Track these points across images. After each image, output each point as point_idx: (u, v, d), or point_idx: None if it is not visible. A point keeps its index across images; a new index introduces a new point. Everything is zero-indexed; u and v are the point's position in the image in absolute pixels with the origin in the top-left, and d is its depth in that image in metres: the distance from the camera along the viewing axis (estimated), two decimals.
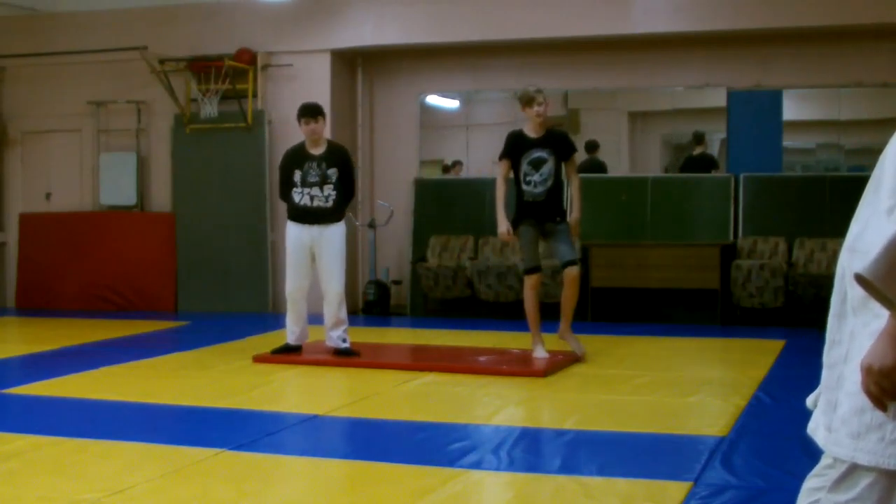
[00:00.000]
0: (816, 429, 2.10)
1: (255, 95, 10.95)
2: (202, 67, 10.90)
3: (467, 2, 10.45)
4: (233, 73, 10.76)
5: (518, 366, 7.09)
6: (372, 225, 10.98)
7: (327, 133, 9.84)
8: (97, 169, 11.61)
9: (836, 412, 2.02)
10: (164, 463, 4.54)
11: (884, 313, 1.87)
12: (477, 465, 4.48)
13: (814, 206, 9.93)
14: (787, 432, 4.98)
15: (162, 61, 10.87)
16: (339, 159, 7.42)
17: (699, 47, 10.36)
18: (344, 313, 7.41)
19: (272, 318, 9.91)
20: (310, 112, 7.36)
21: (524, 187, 7.16)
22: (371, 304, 10.75)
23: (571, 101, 10.98)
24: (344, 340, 7.43)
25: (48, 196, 11.92)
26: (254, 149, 10.96)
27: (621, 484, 4.16)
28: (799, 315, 9.46)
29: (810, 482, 2.18)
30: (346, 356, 7.37)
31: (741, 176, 10.18)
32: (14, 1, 11.09)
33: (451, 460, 4.55)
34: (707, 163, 10.57)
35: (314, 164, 7.31)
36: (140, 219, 11.48)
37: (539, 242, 7.25)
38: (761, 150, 10.27)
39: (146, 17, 11.26)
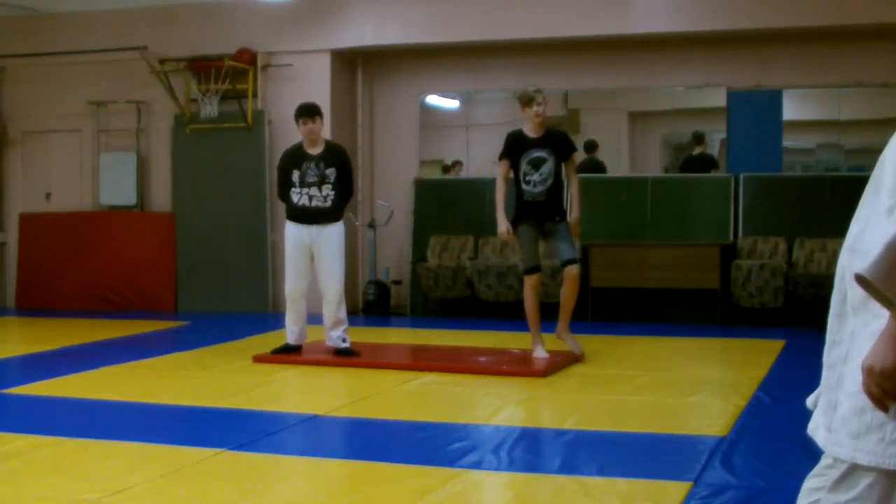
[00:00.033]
0: (816, 429, 2.10)
1: (255, 95, 10.95)
2: (202, 67, 10.90)
3: (467, 2, 10.45)
4: (233, 73, 10.76)
5: (518, 366, 7.09)
6: (372, 225, 10.98)
7: (327, 133, 9.87)
8: (97, 169, 11.62)
9: (837, 412, 2.02)
10: (164, 463, 4.54)
11: (884, 313, 1.87)
12: (477, 465, 4.47)
13: (814, 206, 9.93)
14: (787, 432, 4.98)
15: (162, 61, 10.87)
16: (338, 159, 7.43)
17: (699, 47, 10.36)
18: (343, 313, 7.41)
19: (272, 318, 9.91)
20: (307, 112, 7.36)
21: (524, 187, 7.16)
22: (371, 304, 10.75)
23: (571, 101, 10.98)
24: (344, 340, 7.43)
25: (48, 196, 11.92)
26: (254, 149, 10.96)
27: (621, 484, 4.16)
28: (799, 315, 9.46)
29: (810, 482, 2.18)
30: (346, 356, 7.38)
31: (741, 176, 10.18)
32: (14, 1, 11.09)
33: (451, 460, 4.55)
34: (707, 163, 10.57)
35: (312, 165, 7.32)
36: (140, 219, 11.48)
37: (539, 242, 7.25)
38: (761, 150, 10.27)
39: (146, 17, 11.26)
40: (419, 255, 10.89)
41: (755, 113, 10.33)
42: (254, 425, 5.36)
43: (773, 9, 9.69)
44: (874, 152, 2.17)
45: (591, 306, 10.01)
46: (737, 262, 9.66)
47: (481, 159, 10.78)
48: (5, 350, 8.60)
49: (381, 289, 10.83)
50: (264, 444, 4.95)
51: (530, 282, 7.17)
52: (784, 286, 9.49)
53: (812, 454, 2.24)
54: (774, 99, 10.27)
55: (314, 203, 7.28)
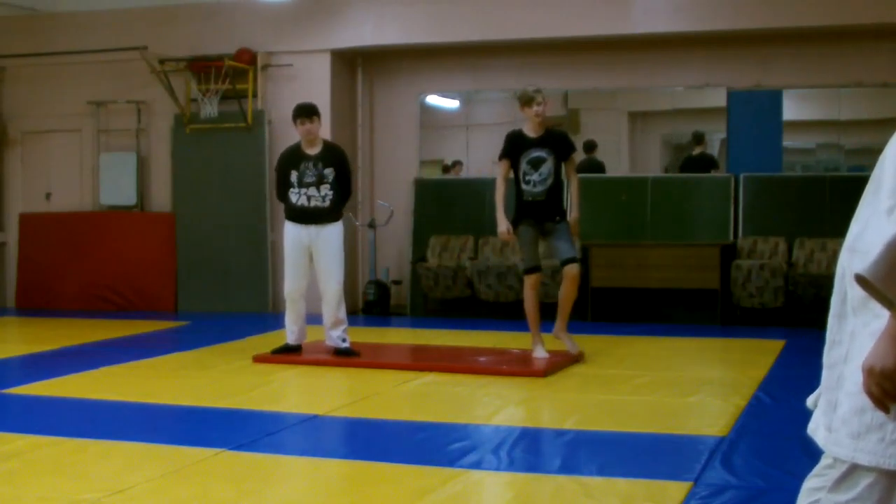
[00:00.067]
0: (816, 429, 2.10)
1: (255, 95, 10.95)
2: (202, 67, 10.90)
3: (467, 2, 10.45)
4: (233, 73, 10.76)
5: (518, 366, 7.09)
6: (372, 225, 10.98)
7: (327, 133, 9.88)
8: (97, 169, 11.62)
9: (837, 412, 2.02)
10: (164, 463, 4.54)
11: (884, 313, 1.87)
12: (477, 465, 4.47)
13: (814, 206, 9.93)
14: (787, 432, 4.98)
15: (162, 61, 10.87)
16: (336, 159, 7.42)
17: (699, 47, 10.36)
18: (343, 313, 7.41)
19: (272, 318, 9.91)
20: (305, 112, 7.35)
21: (524, 187, 7.16)
22: (371, 304, 10.75)
23: (571, 101, 10.98)
24: (344, 340, 7.43)
25: (48, 196, 11.92)
26: (254, 149, 10.96)
27: (621, 484, 4.16)
28: (799, 315, 9.46)
29: (810, 482, 2.18)
30: (346, 356, 7.38)
31: (741, 176, 10.18)
32: (14, 1, 11.09)
33: (451, 460, 4.55)
34: (707, 163, 10.57)
35: (310, 165, 7.32)
36: (140, 219, 11.48)
37: (539, 242, 7.25)
38: (761, 150, 10.27)
39: (146, 17, 11.26)
40: (419, 255, 10.89)
41: (755, 113, 10.33)
42: (254, 425, 5.36)
43: (773, 9, 9.69)
44: (874, 152, 2.17)
45: (591, 306, 10.02)
46: (737, 262, 9.66)
47: (481, 159, 10.78)
48: (5, 350, 8.60)
49: (381, 289, 10.83)
50: (264, 444, 4.95)
51: (530, 282, 7.17)
52: (784, 286, 9.49)
53: (812, 454, 2.24)
54: (774, 99, 10.27)
55: (313, 203, 7.28)
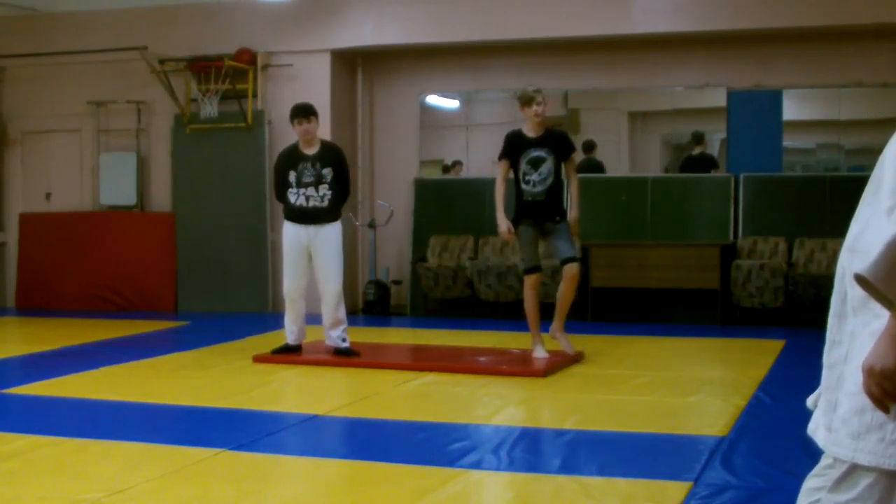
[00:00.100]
0: (816, 429, 2.10)
1: (255, 95, 10.95)
2: (202, 67, 10.90)
3: (467, 2, 10.45)
4: (233, 73, 10.76)
5: (518, 366, 7.09)
6: (372, 225, 10.98)
7: (327, 133, 9.88)
8: (97, 169, 11.62)
9: (837, 412, 2.02)
10: (164, 463, 4.54)
11: (884, 313, 1.87)
12: (477, 465, 4.47)
13: (814, 206, 9.93)
14: (787, 432, 4.98)
15: (162, 61, 10.87)
16: (334, 159, 7.42)
17: (699, 47, 10.36)
18: (342, 313, 7.41)
19: (272, 318, 9.90)
20: (302, 112, 7.35)
21: (523, 187, 7.16)
22: (371, 304, 10.75)
23: (571, 101, 10.98)
24: (343, 340, 7.43)
25: (48, 196, 11.92)
26: (254, 149, 10.96)
27: (621, 484, 4.16)
28: (799, 315, 9.46)
29: (810, 482, 2.18)
30: (345, 356, 7.38)
31: (741, 176, 10.18)
32: (14, 1, 11.09)
33: (451, 460, 4.55)
34: (706, 163, 10.57)
35: (308, 165, 7.31)
36: (140, 219, 11.48)
37: (539, 242, 7.25)
38: (761, 150, 10.27)
39: (146, 17, 11.26)
40: (419, 255, 10.89)
41: (755, 113, 10.33)
42: (254, 425, 5.36)
43: (773, 9, 9.69)
44: (874, 152, 2.17)
45: (591, 306, 10.02)
46: (737, 262, 9.66)
47: (481, 159, 10.78)
48: (5, 350, 8.60)
49: (381, 289, 10.83)
50: (264, 444, 4.95)
51: (530, 282, 7.17)
52: (784, 286, 9.49)
53: (812, 454, 2.24)
54: (774, 99, 10.27)
55: (311, 203, 7.28)
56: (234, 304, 10.95)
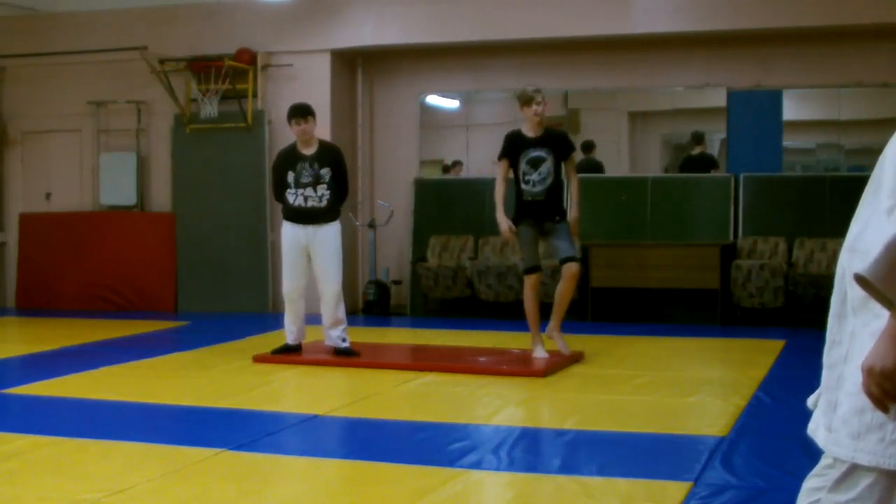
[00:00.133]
0: (817, 429, 2.10)
1: (255, 95, 10.95)
2: (202, 67, 10.90)
3: (467, 2, 10.45)
4: (233, 73, 10.76)
5: (518, 366, 7.08)
6: (372, 225, 10.98)
7: (328, 133, 9.89)
8: (97, 169, 11.62)
9: (837, 412, 2.02)
10: (164, 463, 4.54)
11: (884, 313, 1.87)
12: (477, 465, 4.47)
13: (814, 206, 9.93)
14: (787, 432, 4.98)
15: (162, 61, 10.87)
16: (332, 159, 7.42)
17: (699, 47, 10.36)
18: (342, 312, 7.41)
19: (272, 318, 9.90)
20: (300, 112, 7.35)
21: (523, 186, 7.16)
22: (371, 304, 10.75)
23: (571, 101, 10.98)
24: (343, 340, 7.43)
25: (48, 196, 11.92)
26: (254, 149, 10.96)
27: (621, 484, 4.16)
28: (799, 315, 9.46)
29: (810, 482, 2.18)
30: (345, 356, 7.37)
31: (741, 176, 10.18)
32: (14, 1, 11.09)
33: (451, 460, 4.55)
34: (706, 162, 10.57)
35: (306, 165, 7.31)
36: (140, 219, 11.48)
37: (539, 242, 7.24)
38: (761, 150, 10.27)
39: (146, 17, 11.26)
40: (419, 255, 10.89)
41: (755, 113, 10.33)
42: (254, 425, 5.36)
43: (773, 9, 9.69)
44: (874, 152, 2.17)
45: (591, 306, 10.02)
46: (737, 262, 9.66)
47: (481, 159, 10.78)
48: (5, 350, 8.60)
49: (381, 289, 10.83)
50: (264, 444, 4.95)
51: (530, 281, 7.17)
52: (784, 286, 9.49)
53: (812, 454, 2.24)
54: (774, 99, 10.27)
55: (310, 203, 7.28)
56: (234, 304, 10.95)
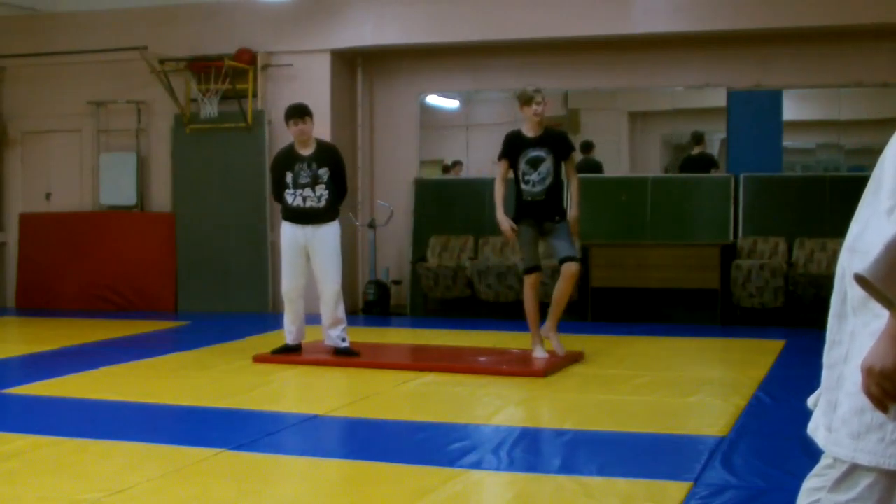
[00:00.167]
0: (816, 429, 2.10)
1: (255, 95, 10.95)
2: (202, 67, 10.91)
3: (467, 2, 10.45)
4: (233, 73, 10.76)
5: (518, 366, 7.08)
6: (372, 225, 10.98)
7: (328, 133, 9.89)
8: (97, 169, 11.62)
9: (837, 412, 2.02)
10: (164, 463, 4.54)
11: (884, 313, 1.87)
12: (477, 465, 4.47)
13: (814, 206, 9.93)
14: (787, 432, 4.98)
15: (162, 61, 10.87)
16: (330, 159, 7.41)
17: (699, 47, 10.36)
18: (342, 312, 7.41)
19: (272, 318, 9.90)
20: (297, 113, 7.34)
21: (523, 186, 7.16)
22: (371, 304, 10.75)
23: (571, 101, 10.98)
24: (343, 340, 7.43)
25: (48, 196, 11.92)
26: (254, 149, 10.96)
27: (621, 484, 4.16)
28: (799, 315, 9.46)
29: (810, 482, 2.18)
30: (345, 356, 7.37)
31: (741, 176, 10.18)
32: (14, 1, 11.09)
33: (451, 460, 4.55)
34: (706, 162, 10.57)
35: (305, 165, 7.31)
36: (140, 219, 11.48)
37: (539, 242, 7.24)
38: (761, 150, 10.27)
39: (146, 17, 11.26)
40: (419, 255, 10.89)
41: (755, 113, 10.33)
42: (254, 425, 5.36)
43: (773, 9, 9.69)
44: (874, 152, 2.17)
45: (591, 306, 10.02)
46: (737, 262, 9.66)
47: (481, 159, 10.78)
48: (5, 350, 8.60)
49: (381, 289, 10.83)
50: (264, 444, 4.95)
51: (530, 281, 7.17)
52: (784, 286, 9.49)
53: (812, 454, 2.24)
54: (774, 99, 10.27)
55: (308, 203, 7.28)
56: (234, 304, 10.95)
